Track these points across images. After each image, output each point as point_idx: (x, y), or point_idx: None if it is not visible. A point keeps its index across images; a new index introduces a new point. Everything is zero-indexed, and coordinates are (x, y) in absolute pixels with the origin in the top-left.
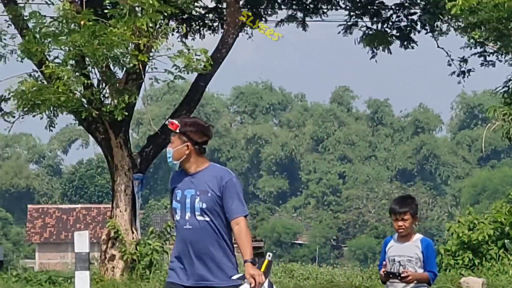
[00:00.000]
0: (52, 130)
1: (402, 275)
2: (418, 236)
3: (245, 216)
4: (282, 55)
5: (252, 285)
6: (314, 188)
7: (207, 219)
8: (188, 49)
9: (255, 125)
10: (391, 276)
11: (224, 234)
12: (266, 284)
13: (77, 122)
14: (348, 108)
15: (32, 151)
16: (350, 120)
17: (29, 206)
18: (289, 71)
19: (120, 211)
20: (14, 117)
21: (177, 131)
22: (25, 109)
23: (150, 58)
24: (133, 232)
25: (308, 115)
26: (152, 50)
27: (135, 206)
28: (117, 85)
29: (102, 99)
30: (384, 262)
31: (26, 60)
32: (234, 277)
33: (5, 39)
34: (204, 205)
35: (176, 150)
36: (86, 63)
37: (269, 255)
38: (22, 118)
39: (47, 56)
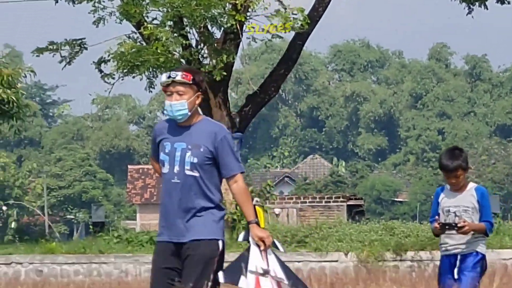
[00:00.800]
0: (151, 91)
1: (459, 225)
2: (472, 185)
3: (242, 173)
4: (379, 12)
5: (262, 247)
6: (413, 145)
7: (196, 174)
8: (285, 8)
9: (353, 83)
10: (447, 227)
11: (212, 191)
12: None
13: None
14: (446, 64)
15: (132, 112)
16: (448, 76)
17: (129, 167)
18: (386, 28)
19: None
20: (114, 78)
21: (190, 82)
22: (124, 71)
23: (248, 17)
24: None
25: (406, 72)
26: (249, 9)
27: None
28: (215, 45)
29: (201, 60)
30: (436, 217)
31: (124, 22)
32: (240, 238)
33: (103, 1)
34: (195, 160)
35: (190, 101)
36: (184, 23)
37: (257, 201)
38: (122, 79)
39: (146, 18)
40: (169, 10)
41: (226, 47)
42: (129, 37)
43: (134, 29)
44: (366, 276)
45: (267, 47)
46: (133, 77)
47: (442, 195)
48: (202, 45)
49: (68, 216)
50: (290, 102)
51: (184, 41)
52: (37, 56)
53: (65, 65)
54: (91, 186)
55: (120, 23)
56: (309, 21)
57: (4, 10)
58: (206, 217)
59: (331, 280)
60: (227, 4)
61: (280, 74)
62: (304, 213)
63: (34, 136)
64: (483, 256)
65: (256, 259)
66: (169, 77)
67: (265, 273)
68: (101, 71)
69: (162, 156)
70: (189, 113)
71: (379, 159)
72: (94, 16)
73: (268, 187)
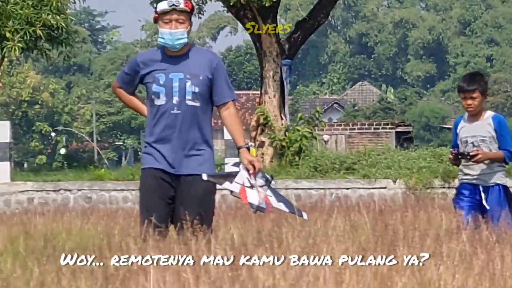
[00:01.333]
0: (200, 17)
1: (471, 153)
2: (489, 114)
3: (233, 101)
4: None
5: (251, 171)
6: (462, 72)
7: (198, 104)
8: None
9: (402, 9)
10: (459, 157)
11: (208, 123)
12: (261, 178)
13: (225, 9)
14: None
15: None
16: (497, 3)
17: None
18: None
19: (269, 97)
20: None
21: (190, 10)
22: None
23: None
24: (282, 118)
25: None
26: None
27: (284, 92)
28: None
29: None
30: (451, 150)
31: None
32: (230, 165)
33: None
34: (197, 89)
35: (188, 30)
36: None
37: (251, 144)
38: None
39: None
40: None
41: None
42: None
43: None
44: (415, 203)
45: None
46: None
47: (460, 126)
48: None
49: (117, 143)
50: (339, 28)
51: None
52: None
53: None
54: None
55: None
56: None
57: None
58: (204, 154)
59: (380, 207)
60: None
61: (329, 1)
62: (353, 139)
63: (84, 62)
64: (506, 188)
65: (244, 177)
66: (172, 5)
67: (252, 186)
68: None
69: (155, 88)
70: (186, 42)
71: (428, 85)
72: None
73: (317, 114)
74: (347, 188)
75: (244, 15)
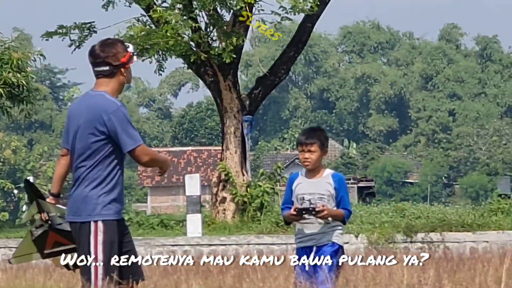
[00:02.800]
0: (161, 74)
1: (317, 209)
2: (328, 172)
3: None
4: None
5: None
6: (424, 126)
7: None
8: None
9: (363, 64)
10: (304, 212)
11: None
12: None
13: (186, 65)
14: (457, 45)
15: (142, 95)
16: (459, 57)
17: None
18: (397, 9)
19: (230, 153)
20: None
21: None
22: (134, 54)
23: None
24: (243, 174)
25: (416, 53)
26: None
27: (245, 148)
28: (225, 27)
29: (210, 42)
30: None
31: (134, 5)
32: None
33: None
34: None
35: None
36: (194, 6)
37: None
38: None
39: (155, 1)
40: None
41: (236, 30)
42: (138, 20)
43: (143, 12)
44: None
45: (276, 29)
46: (143, 60)
47: (296, 182)
48: (211, 27)
49: None
50: (300, 84)
51: (193, 24)
52: (46, 40)
53: (74, 49)
54: None
55: (130, 6)
56: (318, 3)
57: None
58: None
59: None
60: None
61: (290, 56)
62: None
63: (45, 119)
64: (340, 247)
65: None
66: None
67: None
68: None
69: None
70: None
71: (390, 140)
72: (103, 0)
73: (279, 170)
74: None
75: (204, 72)
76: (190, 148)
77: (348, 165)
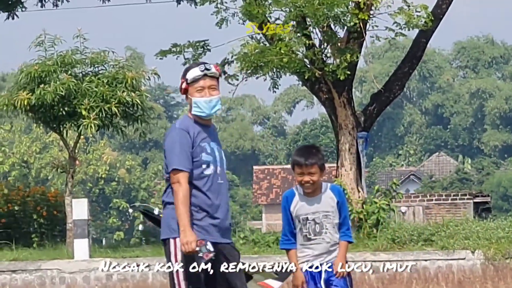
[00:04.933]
0: (275, 91)
1: (336, 276)
2: (326, 186)
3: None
4: (503, 7)
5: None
6: None
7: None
8: (408, 6)
9: (478, 79)
10: None
11: None
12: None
13: (300, 82)
14: None
15: (256, 113)
16: None
17: (254, 167)
18: (511, 24)
19: (345, 170)
20: (237, 79)
21: (219, 75)
22: (248, 71)
23: (371, 16)
24: (359, 191)
25: None
26: (372, 8)
27: (360, 165)
28: (339, 44)
29: (324, 59)
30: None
31: (247, 23)
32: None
33: (226, 2)
34: (224, 159)
35: (221, 96)
36: (307, 23)
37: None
38: (246, 80)
39: (268, 18)
40: (292, 10)
41: (350, 46)
42: (252, 38)
43: (257, 30)
44: (494, 274)
45: (390, 45)
46: (257, 77)
47: (294, 203)
48: (325, 44)
49: None
50: (414, 99)
51: (307, 41)
52: (160, 58)
53: None
54: None
55: (243, 24)
56: (432, 18)
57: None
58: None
59: (459, 278)
60: (350, 2)
61: (404, 72)
62: (430, 211)
63: (159, 138)
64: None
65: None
66: (204, 69)
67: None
68: (224, 72)
69: (205, 156)
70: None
71: (505, 155)
72: (216, 18)
73: (394, 186)
74: (425, 260)
75: (319, 89)
76: None
77: (463, 180)
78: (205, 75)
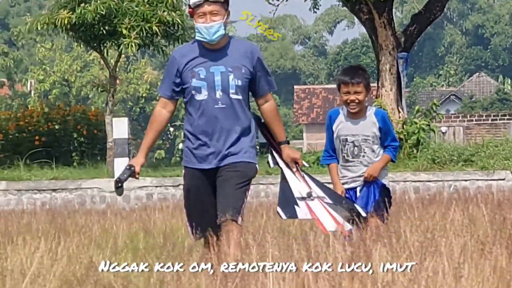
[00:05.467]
0: (316, 12)
1: (365, 179)
2: (371, 110)
3: (271, 92)
4: None
5: (295, 169)
6: None
7: (240, 97)
8: None
9: None
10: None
11: (248, 113)
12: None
13: (340, 3)
14: None
15: (297, 32)
16: None
17: (295, 87)
18: None
19: (386, 90)
20: (278, 0)
21: (223, 0)
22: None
23: None
24: (399, 111)
25: None
26: None
27: (401, 85)
28: None
29: None
30: (342, 189)
31: None
32: (271, 165)
33: None
34: (240, 82)
35: (224, 21)
36: None
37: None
38: (286, 0)
39: None
40: None
41: None
42: None
43: None
44: None
45: None
46: None
47: (337, 122)
48: None
49: None
50: (455, 20)
51: None
52: None
53: None
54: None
55: None
56: None
57: None
58: (245, 142)
59: (498, 199)
60: None
61: None
62: (471, 131)
63: None
64: (384, 185)
65: (295, 185)
66: None
67: (309, 196)
68: None
69: (195, 82)
70: (224, 34)
71: None
72: None
73: (434, 106)
74: (465, 180)
75: (359, 9)
76: None
77: (503, 100)
78: (206, 0)
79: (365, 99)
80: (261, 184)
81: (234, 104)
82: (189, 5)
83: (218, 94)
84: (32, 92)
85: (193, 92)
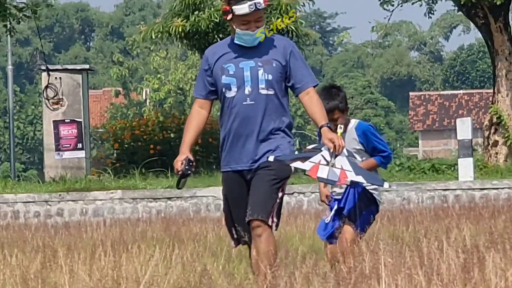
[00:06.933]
0: (431, 17)
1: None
2: (352, 124)
3: (314, 86)
4: None
5: (332, 150)
6: None
7: (272, 92)
8: None
9: None
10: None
11: (287, 110)
12: (345, 151)
13: (456, 8)
14: None
15: (413, 38)
16: None
17: (411, 93)
18: None
19: (502, 96)
20: (393, 5)
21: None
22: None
23: None
24: None
25: None
26: None
27: None
28: None
29: None
30: (328, 196)
31: None
32: (309, 147)
33: None
34: (270, 77)
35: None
36: None
37: (340, 127)
38: (401, 6)
39: None
40: None
41: None
42: None
43: None
44: None
45: None
46: (413, 3)
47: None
48: None
49: None
50: None
51: None
52: None
53: None
54: (372, 113)
55: None
56: None
57: None
58: (281, 140)
59: None
60: None
61: None
62: None
63: (315, 64)
64: (367, 192)
65: (324, 155)
66: (255, 8)
67: (328, 164)
68: None
69: (225, 79)
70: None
71: None
72: None
73: None
74: None
75: (475, 14)
76: (461, 91)
77: None
78: (257, 9)
79: (343, 120)
80: None
81: (266, 100)
82: (231, 11)
83: (247, 90)
84: (147, 101)
85: (224, 89)
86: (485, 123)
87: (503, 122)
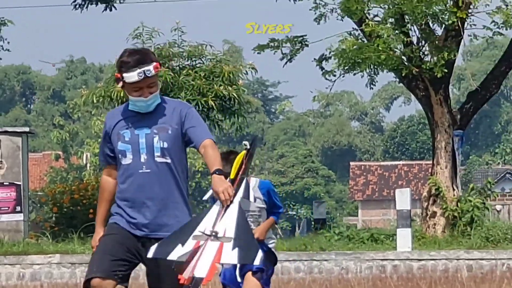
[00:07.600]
0: (372, 88)
1: None
2: (254, 183)
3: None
4: None
5: (223, 203)
6: None
7: (168, 160)
8: (507, 5)
9: None
10: None
11: (183, 179)
12: (241, 191)
13: (397, 79)
14: None
15: (354, 109)
16: None
17: (351, 163)
18: None
19: (441, 168)
20: (335, 75)
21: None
22: (345, 68)
23: (469, 14)
24: (454, 189)
25: None
26: (471, 6)
27: (456, 163)
28: (437, 42)
29: (422, 57)
30: None
31: (345, 19)
32: (205, 197)
33: None
34: (166, 144)
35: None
36: (405, 20)
37: (245, 144)
38: (343, 76)
39: (367, 15)
40: (391, 7)
41: (447, 44)
42: (350, 34)
43: (355, 26)
44: None
45: (488, 44)
46: (354, 74)
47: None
48: (423, 42)
49: (290, 212)
50: (511, 98)
51: (405, 38)
52: (258, 53)
53: (286, 62)
54: (313, 182)
55: (342, 20)
56: None
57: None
58: (178, 211)
59: None
60: (449, 0)
61: (501, 71)
62: None
63: (257, 132)
64: (269, 249)
65: (209, 220)
66: (144, 76)
67: (212, 235)
68: (322, 68)
69: (120, 145)
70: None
71: None
72: (315, 13)
73: (489, 184)
74: None
75: (416, 86)
76: (401, 162)
77: None
78: (146, 77)
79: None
80: (314, 260)
81: (161, 168)
82: (121, 79)
83: (143, 157)
84: (88, 165)
85: (120, 156)
86: (424, 194)
87: (441, 194)
